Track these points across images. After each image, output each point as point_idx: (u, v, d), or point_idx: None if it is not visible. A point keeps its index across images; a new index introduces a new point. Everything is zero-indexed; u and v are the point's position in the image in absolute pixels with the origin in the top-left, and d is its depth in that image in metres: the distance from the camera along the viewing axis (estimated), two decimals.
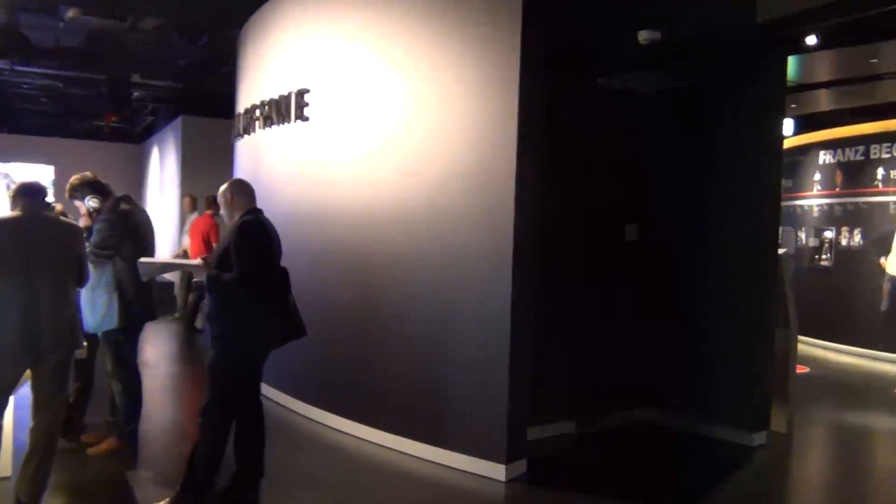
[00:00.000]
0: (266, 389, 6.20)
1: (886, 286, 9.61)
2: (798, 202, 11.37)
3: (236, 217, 4.09)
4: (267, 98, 6.73)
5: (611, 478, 5.05)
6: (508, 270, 4.65)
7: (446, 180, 5.00)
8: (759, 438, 5.70)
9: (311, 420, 5.97)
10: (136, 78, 12.38)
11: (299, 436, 5.70)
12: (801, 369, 8.11)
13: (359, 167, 5.63)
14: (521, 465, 4.83)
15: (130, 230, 4.89)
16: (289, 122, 6.35)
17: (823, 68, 8.61)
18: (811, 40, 6.16)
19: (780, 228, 11.39)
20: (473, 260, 4.84)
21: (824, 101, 10.32)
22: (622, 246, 6.17)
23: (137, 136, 19.02)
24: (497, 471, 4.70)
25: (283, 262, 4.24)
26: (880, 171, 9.93)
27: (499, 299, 4.69)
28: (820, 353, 10.21)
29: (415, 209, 5.19)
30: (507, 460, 4.70)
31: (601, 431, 5.91)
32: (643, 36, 4.91)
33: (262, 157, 6.95)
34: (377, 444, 5.34)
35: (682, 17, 4.86)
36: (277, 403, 6.37)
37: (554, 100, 5.30)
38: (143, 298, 4.89)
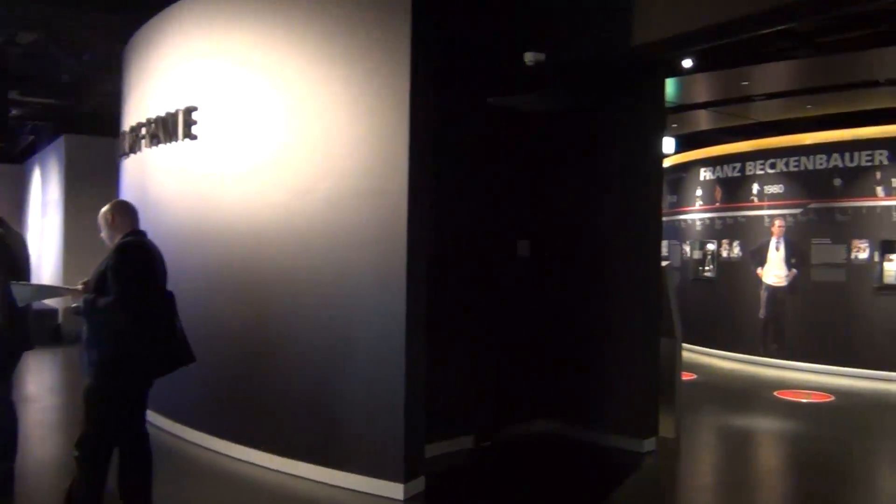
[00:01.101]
0: (155, 417, 5.96)
1: (764, 294, 10.22)
2: (682, 216, 11.95)
3: (117, 239, 3.94)
4: (153, 116, 6.53)
5: (509, 491, 5.11)
6: (402, 288, 4.66)
7: (339, 199, 4.97)
8: (649, 444, 5.91)
9: (203, 448, 5.77)
10: (14, 95, 11.75)
11: (190, 465, 5.50)
12: (688, 376, 8.49)
13: (249, 186, 5.53)
14: (419, 483, 4.82)
15: (2, 255, 4.62)
16: (176, 141, 6.17)
17: (701, 90, 9.13)
18: (687, 63, 6.50)
19: (667, 242, 11.99)
20: (367, 278, 4.83)
21: (703, 120, 10.93)
22: (516, 261, 6.30)
23: (18, 156, 18.05)
24: (395, 490, 4.67)
25: (172, 285, 4.10)
26: (755, 187, 10.57)
27: (393, 317, 4.69)
28: (706, 360, 10.72)
29: (307, 228, 5.14)
30: (405, 479, 4.68)
31: (500, 445, 5.98)
32: (528, 58, 5.06)
33: (149, 176, 6.72)
34: (273, 470, 5.21)
35: (564, 40, 5.04)
36: (167, 432, 6.12)
37: (446, 118, 5.38)
38: (17, 327, 4.62)
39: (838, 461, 6.01)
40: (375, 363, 4.79)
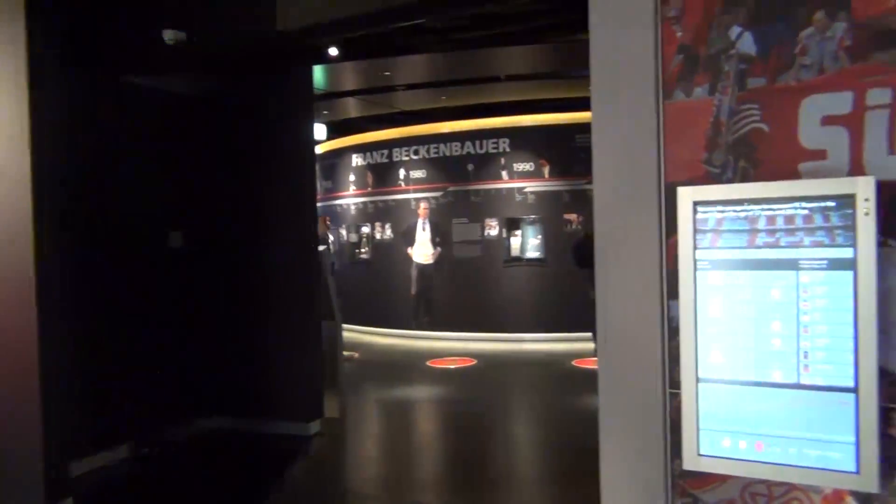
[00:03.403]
0: None
1: (414, 272, 10.97)
2: (338, 201, 12.31)
3: None
4: None
5: (170, 496, 4.83)
6: (31, 293, 4.10)
7: None
8: (314, 427, 6.02)
9: None
10: None
11: None
12: (350, 355, 8.81)
13: None
14: None
15: None
16: None
17: (349, 78, 9.43)
18: (333, 51, 6.66)
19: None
20: None
21: (353, 108, 11.33)
22: (169, 253, 5.93)
23: None
24: None
25: None
26: (402, 172, 11.28)
27: (22, 327, 4.11)
28: (367, 338, 11.22)
29: None
30: (48, 503, 4.17)
31: (164, 448, 5.62)
32: (168, 36, 4.75)
33: None
34: None
35: (207, 19, 4.83)
36: None
37: (83, 101, 4.85)
38: None
39: (483, 416, 6.72)
40: (3, 381, 4.17)
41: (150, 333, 5.67)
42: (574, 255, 8.10)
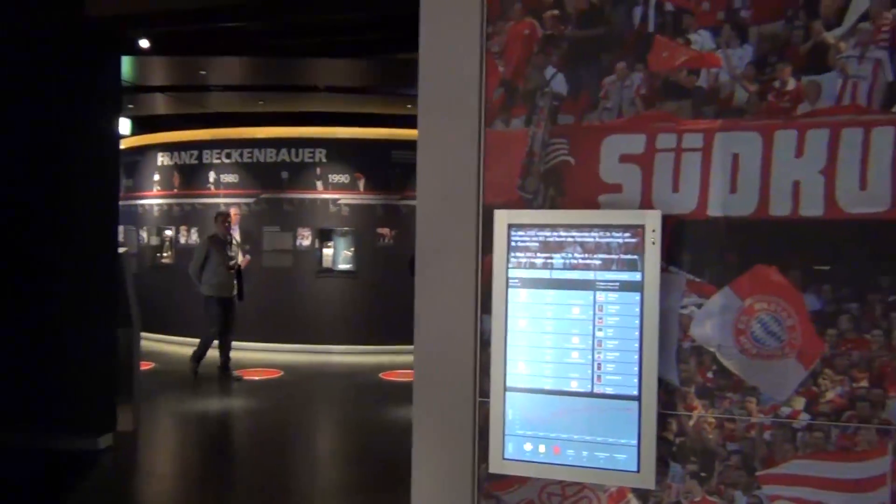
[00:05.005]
0: None
1: None
2: (139, 201, 11.62)
3: None
4: None
5: None
6: None
7: None
8: (105, 441, 5.64)
9: None
10: None
11: None
12: (145, 366, 8.33)
13: None
14: None
15: None
16: None
17: (159, 73, 8.97)
18: (144, 44, 6.33)
19: (123, 227, 11.51)
20: None
21: (161, 105, 10.77)
22: None
23: None
24: None
25: None
26: (212, 175, 10.88)
27: None
28: (164, 347, 10.65)
29: None
30: None
31: None
32: None
33: None
34: None
35: None
36: None
37: None
38: None
39: (288, 429, 6.63)
40: None
41: None
42: (411, 266, 8.26)
